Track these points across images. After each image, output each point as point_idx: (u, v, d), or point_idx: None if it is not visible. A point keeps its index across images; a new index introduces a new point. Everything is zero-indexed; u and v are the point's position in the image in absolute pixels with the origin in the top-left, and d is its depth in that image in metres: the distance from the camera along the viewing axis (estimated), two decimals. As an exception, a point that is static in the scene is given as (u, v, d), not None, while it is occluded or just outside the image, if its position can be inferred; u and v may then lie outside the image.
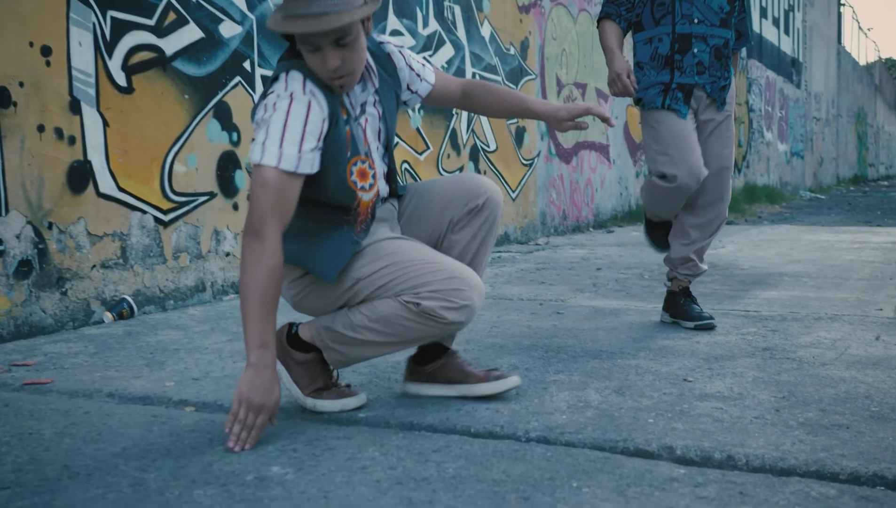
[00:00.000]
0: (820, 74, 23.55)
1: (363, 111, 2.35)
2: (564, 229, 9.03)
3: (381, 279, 2.28)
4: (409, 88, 2.52)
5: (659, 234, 3.77)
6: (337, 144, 2.25)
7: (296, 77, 2.20)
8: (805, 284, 4.97)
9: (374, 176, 2.33)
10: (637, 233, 8.90)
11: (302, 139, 2.15)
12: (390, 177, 2.46)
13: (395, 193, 2.49)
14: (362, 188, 2.30)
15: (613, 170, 10.29)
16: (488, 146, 7.69)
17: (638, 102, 3.61)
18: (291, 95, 2.17)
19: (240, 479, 1.90)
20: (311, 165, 2.17)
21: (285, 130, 2.14)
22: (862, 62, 34.63)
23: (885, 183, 29.82)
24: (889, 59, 47.63)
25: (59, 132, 3.77)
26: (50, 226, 3.73)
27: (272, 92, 2.20)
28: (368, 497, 1.79)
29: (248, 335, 2.12)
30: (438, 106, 2.65)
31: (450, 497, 1.79)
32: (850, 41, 31.39)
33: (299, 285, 2.37)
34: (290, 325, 2.45)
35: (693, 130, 3.50)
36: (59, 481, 1.92)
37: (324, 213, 2.31)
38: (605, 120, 2.52)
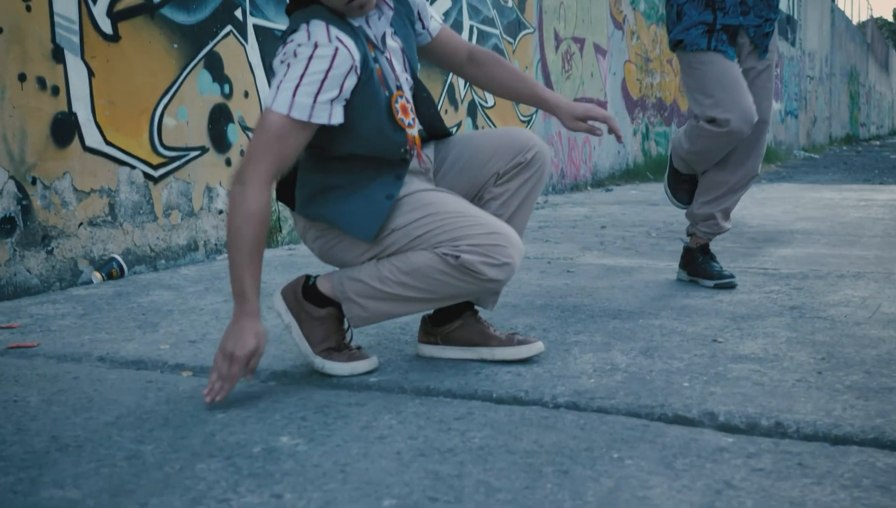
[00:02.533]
0: (814, 32, 23.30)
1: (384, 43, 2.16)
2: (563, 188, 8.85)
3: (417, 230, 2.11)
4: (420, 18, 2.31)
5: (682, 187, 3.56)
6: (371, 89, 2.06)
7: (318, 25, 2.00)
8: (818, 241, 4.81)
9: (412, 110, 2.17)
10: (636, 192, 8.73)
11: (319, 90, 1.96)
12: (426, 109, 2.28)
13: (440, 131, 2.32)
14: (409, 125, 2.14)
15: (611, 127, 10.08)
16: (486, 102, 7.48)
17: (677, 44, 3.35)
18: (316, 43, 1.97)
19: (246, 451, 1.73)
20: (327, 114, 1.98)
21: (303, 77, 1.96)
22: (854, 21, 34.38)
23: (878, 143, 29.67)
24: (881, 19, 47.36)
25: (41, 82, 3.55)
26: (34, 181, 3.53)
27: (292, 41, 2.00)
28: (390, 472, 1.62)
29: (233, 284, 2.00)
30: (437, 65, 2.45)
31: (479, 470, 1.62)
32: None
33: (328, 235, 2.20)
34: (307, 277, 2.26)
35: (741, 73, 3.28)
36: (47, 454, 1.74)
37: (357, 166, 2.14)
38: (617, 136, 2.31)
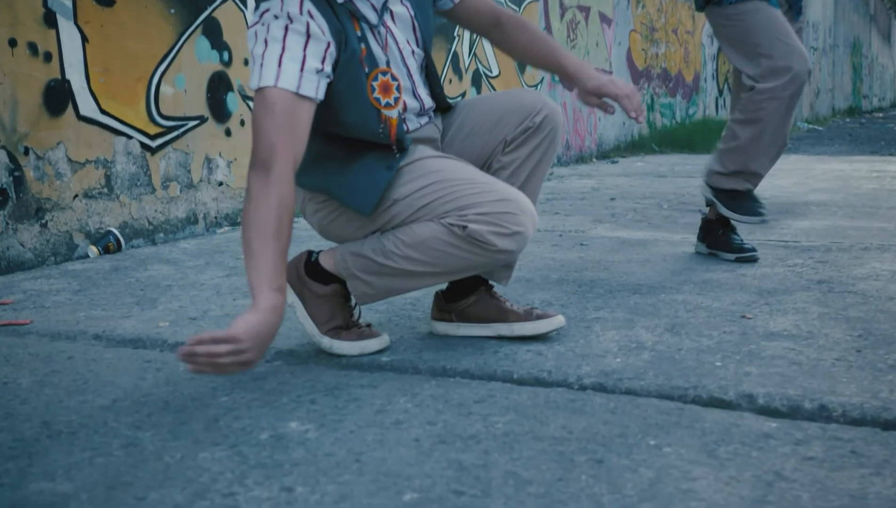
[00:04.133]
0: (817, 1, 23.03)
1: (386, 11, 2.00)
2: (568, 160, 8.69)
3: (421, 199, 1.96)
4: None
5: (740, 195, 3.20)
6: (352, 73, 1.92)
7: None
8: (835, 213, 4.67)
9: (398, 88, 2.00)
10: (642, 164, 8.58)
11: (304, 58, 1.81)
12: (432, 88, 2.14)
13: (442, 105, 2.17)
14: (387, 105, 1.97)
15: (616, 98, 9.89)
16: (491, 71, 7.31)
17: (708, 1, 3.16)
18: (288, 14, 1.83)
19: (252, 438, 1.60)
20: (315, 87, 1.83)
21: (284, 46, 1.81)
22: (858, -9, 33.98)
23: (881, 115, 29.39)
24: (884, -11, 46.88)
25: (33, 48, 3.40)
26: (26, 151, 3.38)
27: (267, 10, 1.85)
28: (409, 461, 1.49)
29: (262, 274, 1.73)
30: (463, 26, 2.29)
31: (506, 459, 1.49)
32: (847, -31, 30.72)
33: (327, 208, 2.06)
34: (309, 253, 2.13)
35: None
36: (38, 441, 1.61)
37: (349, 141, 2.00)
38: (635, 116, 2.16)
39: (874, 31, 37.54)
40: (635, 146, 10.21)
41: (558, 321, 2.19)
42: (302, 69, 1.81)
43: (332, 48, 1.86)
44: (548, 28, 8.25)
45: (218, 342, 1.61)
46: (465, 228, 1.91)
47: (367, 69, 1.94)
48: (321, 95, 1.86)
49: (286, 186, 1.78)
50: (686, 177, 6.92)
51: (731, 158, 3.15)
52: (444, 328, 2.25)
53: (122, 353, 2.21)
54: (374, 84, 1.95)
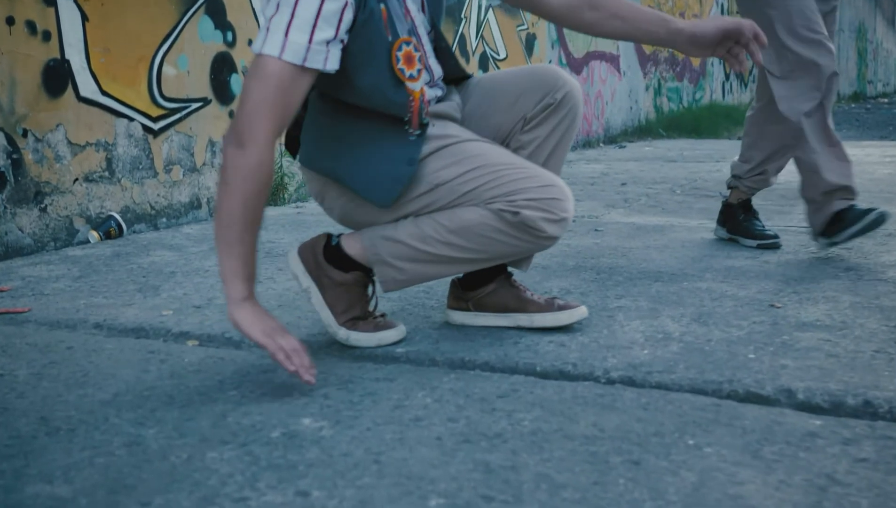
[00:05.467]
0: (824, -14, 22.81)
1: None
2: (575, 145, 8.57)
3: (466, 185, 1.86)
4: None
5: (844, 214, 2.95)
6: (370, 32, 1.77)
7: None
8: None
9: (420, 59, 1.86)
10: (650, 148, 8.46)
11: (314, 27, 1.67)
12: (443, 58, 2.02)
13: (458, 75, 2.06)
14: (411, 77, 1.84)
15: (623, 82, 9.78)
16: (498, 54, 7.19)
17: None
18: None
19: (263, 436, 1.50)
20: (324, 59, 1.70)
21: (294, 14, 1.67)
22: (863, -24, 33.75)
23: (885, 100, 29.16)
24: (888, -26, 46.59)
25: (31, 26, 3.29)
26: (25, 134, 3.28)
27: None
28: (432, 462, 1.39)
29: (231, 265, 1.70)
30: (529, 10, 2.03)
31: (536, 460, 1.39)
32: (853, -46, 30.46)
33: (351, 192, 1.94)
34: (329, 236, 2.01)
35: None
36: (35, 439, 1.51)
37: (371, 115, 1.88)
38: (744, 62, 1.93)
39: (879, 15, 37.30)
40: (642, 131, 10.09)
41: (581, 312, 2.09)
42: (311, 40, 1.68)
43: (349, 10, 1.72)
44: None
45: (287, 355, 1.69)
46: (517, 213, 1.83)
47: (390, 37, 1.80)
48: (333, 65, 1.73)
49: (266, 167, 1.68)
50: (696, 162, 6.80)
51: (811, 187, 2.98)
52: (460, 317, 2.15)
53: (123, 343, 2.11)
54: (399, 54, 1.82)
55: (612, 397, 1.68)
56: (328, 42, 1.70)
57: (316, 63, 1.70)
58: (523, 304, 2.09)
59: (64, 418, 1.61)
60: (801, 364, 1.84)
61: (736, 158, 3.27)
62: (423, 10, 1.95)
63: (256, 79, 1.68)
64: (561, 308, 2.08)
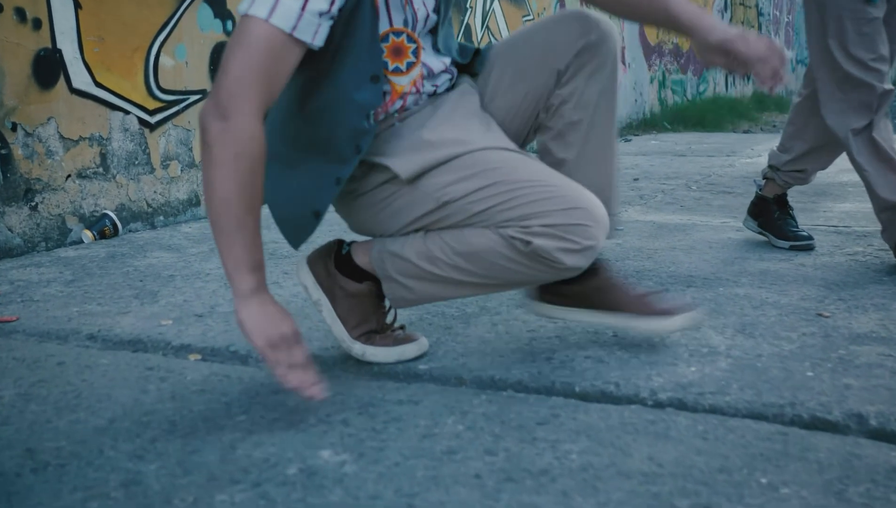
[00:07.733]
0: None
1: None
2: (579, 138, 8.39)
3: (477, 204, 1.62)
4: None
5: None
6: (357, 17, 1.58)
7: None
8: (877, 195, 4.39)
9: (414, 52, 1.67)
10: (657, 142, 8.29)
11: None
12: (460, 47, 1.83)
13: (471, 67, 1.85)
14: (396, 70, 1.66)
15: (628, 74, 9.60)
16: (503, 45, 7.01)
17: None
18: None
19: (278, 473, 1.33)
20: (314, 31, 1.51)
21: None
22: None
23: (885, 93, 29.05)
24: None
25: (20, 13, 3.11)
26: (14, 127, 3.09)
27: None
28: (473, 506, 1.22)
29: (234, 255, 1.51)
30: None
31: (592, 504, 1.22)
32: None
33: (377, 196, 1.75)
34: (340, 243, 1.83)
35: None
36: (19, 477, 1.34)
37: (320, 128, 1.66)
38: (770, 86, 1.74)
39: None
40: (647, 124, 9.91)
41: (692, 316, 1.87)
42: (304, 8, 1.48)
43: None
44: (561, 1, 7.95)
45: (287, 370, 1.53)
46: (528, 243, 1.59)
47: (379, 27, 1.61)
48: (319, 42, 1.54)
49: (256, 141, 1.49)
50: (706, 156, 6.63)
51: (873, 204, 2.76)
52: (550, 310, 1.90)
53: (119, 357, 1.94)
54: (385, 46, 1.63)
55: (664, 423, 1.51)
56: (321, 14, 1.51)
57: (305, 35, 1.50)
58: (621, 301, 1.84)
59: (53, 450, 1.44)
60: (865, 384, 1.67)
61: (774, 146, 3.08)
62: None
63: (241, 44, 1.49)
64: (664, 313, 1.84)
